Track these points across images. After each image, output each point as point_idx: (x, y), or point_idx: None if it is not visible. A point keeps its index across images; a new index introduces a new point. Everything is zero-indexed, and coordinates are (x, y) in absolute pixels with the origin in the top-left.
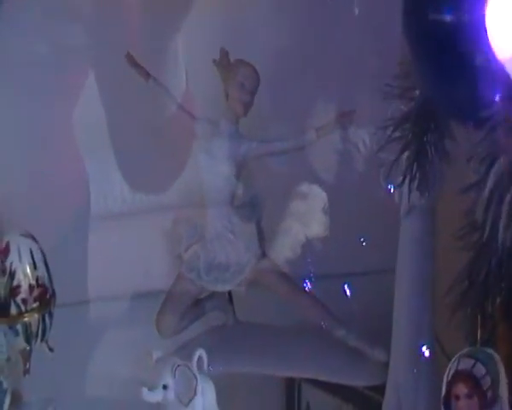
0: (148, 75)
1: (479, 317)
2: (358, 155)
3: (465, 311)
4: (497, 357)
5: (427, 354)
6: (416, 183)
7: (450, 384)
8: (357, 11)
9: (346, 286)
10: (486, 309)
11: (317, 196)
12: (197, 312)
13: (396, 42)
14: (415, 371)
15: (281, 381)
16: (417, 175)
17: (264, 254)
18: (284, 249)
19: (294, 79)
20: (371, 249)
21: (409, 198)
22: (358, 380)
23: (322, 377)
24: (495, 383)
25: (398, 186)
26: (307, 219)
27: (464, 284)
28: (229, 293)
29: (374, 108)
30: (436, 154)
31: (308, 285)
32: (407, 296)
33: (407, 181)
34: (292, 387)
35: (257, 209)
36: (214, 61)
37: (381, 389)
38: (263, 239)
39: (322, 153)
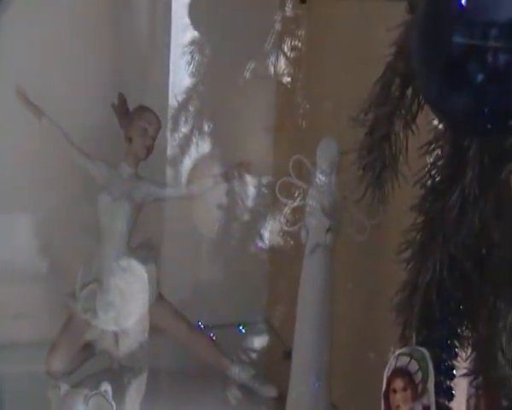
0: (41, 113)
1: (413, 320)
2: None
3: (408, 314)
4: (427, 355)
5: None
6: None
7: (389, 380)
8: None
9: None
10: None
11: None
12: (87, 354)
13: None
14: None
15: None
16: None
17: (161, 296)
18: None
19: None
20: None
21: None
22: None
23: None
24: (425, 377)
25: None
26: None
27: (406, 291)
28: (116, 335)
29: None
30: None
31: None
32: (307, 333)
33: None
34: None
35: (153, 252)
36: (112, 105)
37: None
38: (159, 281)
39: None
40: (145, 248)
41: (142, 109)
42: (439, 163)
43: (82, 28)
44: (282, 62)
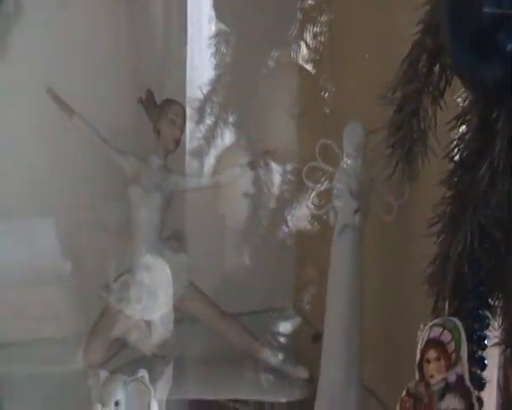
0: (71, 111)
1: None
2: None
3: (440, 286)
4: (459, 324)
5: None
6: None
7: (423, 350)
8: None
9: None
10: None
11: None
12: (121, 343)
13: None
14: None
15: None
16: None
17: (191, 284)
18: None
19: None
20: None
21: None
22: (281, 397)
23: (246, 397)
24: (457, 347)
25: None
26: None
27: (437, 263)
28: (149, 325)
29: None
30: None
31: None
32: (338, 315)
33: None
34: None
35: (183, 242)
36: (140, 99)
37: None
38: (188, 269)
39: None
40: (175, 239)
41: (169, 102)
42: (468, 136)
43: (100, 23)
44: (305, 49)
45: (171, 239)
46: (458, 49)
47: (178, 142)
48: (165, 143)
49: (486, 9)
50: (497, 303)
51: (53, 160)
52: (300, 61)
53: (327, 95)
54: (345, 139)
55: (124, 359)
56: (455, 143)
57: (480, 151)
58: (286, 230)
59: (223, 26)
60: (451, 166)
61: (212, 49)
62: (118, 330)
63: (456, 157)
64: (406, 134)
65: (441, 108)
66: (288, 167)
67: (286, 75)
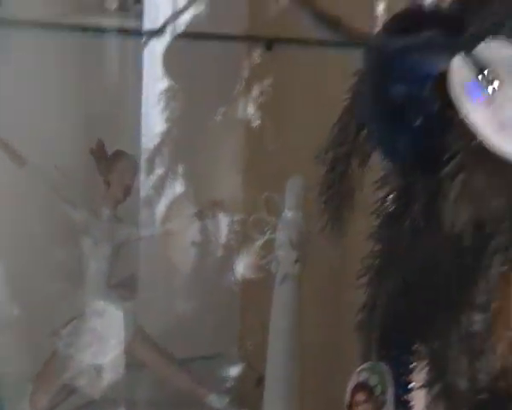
0: (23, 162)
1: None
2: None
3: (368, 333)
4: (386, 369)
5: None
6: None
7: (352, 393)
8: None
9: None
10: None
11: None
12: (69, 389)
13: None
14: None
15: None
16: None
17: (140, 330)
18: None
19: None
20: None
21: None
22: None
23: None
24: (384, 390)
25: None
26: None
27: (365, 312)
28: (98, 369)
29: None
30: None
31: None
32: (278, 360)
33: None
34: None
35: (131, 289)
36: (91, 150)
37: None
38: (137, 316)
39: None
40: (124, 286)
41: (120, 154)
42: (392, 195)
43: (56, 79)
44: (251, 106)
45: (120, 287)
46: (375, 123)
47: (128, 192)
48: (115, 193)
49: (397, 87)
50: (420, 349)
51: (3, 203)
52: (246, 118)
53: (271, 150)
54: (287, 193)
55: (74, 402)
56: (380, 201)
57: (403, 209)
58: (232, 278)
59: (172, 83)
60: (378, 221)
61: (163, 104)
62: (66, 375)
63: (382, 214)
64: (336, 193)
65: (366, 170)
66: (235, 218)
67: (232, 130)
